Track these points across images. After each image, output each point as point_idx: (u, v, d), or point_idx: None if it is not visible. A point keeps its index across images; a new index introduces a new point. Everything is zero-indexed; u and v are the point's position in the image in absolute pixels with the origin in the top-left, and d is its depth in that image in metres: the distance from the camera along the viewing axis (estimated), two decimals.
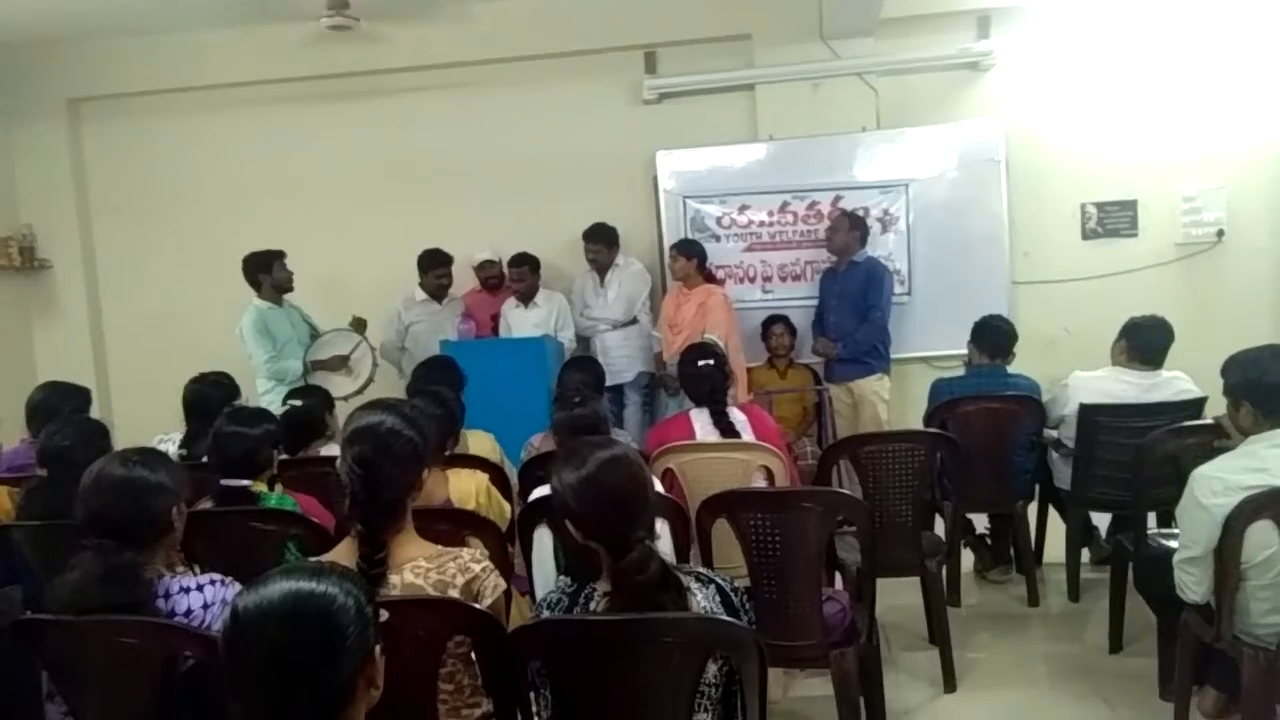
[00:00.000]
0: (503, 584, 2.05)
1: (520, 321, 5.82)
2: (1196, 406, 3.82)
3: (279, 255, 5.39)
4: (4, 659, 1.70)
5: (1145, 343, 4.01)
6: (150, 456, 2.16)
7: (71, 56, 6.45)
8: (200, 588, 2.06)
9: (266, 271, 5.34)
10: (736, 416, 3.51)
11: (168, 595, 2.04)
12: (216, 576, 2.11)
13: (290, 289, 5.44)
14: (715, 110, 6.22)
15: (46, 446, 3.02)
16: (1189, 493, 2.73)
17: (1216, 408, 3.57)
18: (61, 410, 3.67)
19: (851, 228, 5.60)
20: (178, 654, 1.94)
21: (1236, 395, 2.79)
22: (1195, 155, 5.90)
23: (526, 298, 5.87)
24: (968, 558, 4.52)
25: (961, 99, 6.07)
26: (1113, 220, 6.01)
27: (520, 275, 5.84)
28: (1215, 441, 3.08)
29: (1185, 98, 5.88)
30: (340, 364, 5.36)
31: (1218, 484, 2.66)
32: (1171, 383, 3.96)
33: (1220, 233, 5.90)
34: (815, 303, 5.91)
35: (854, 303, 5.52)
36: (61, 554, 2.10)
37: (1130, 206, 5.99)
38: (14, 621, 1.98)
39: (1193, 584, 2.75)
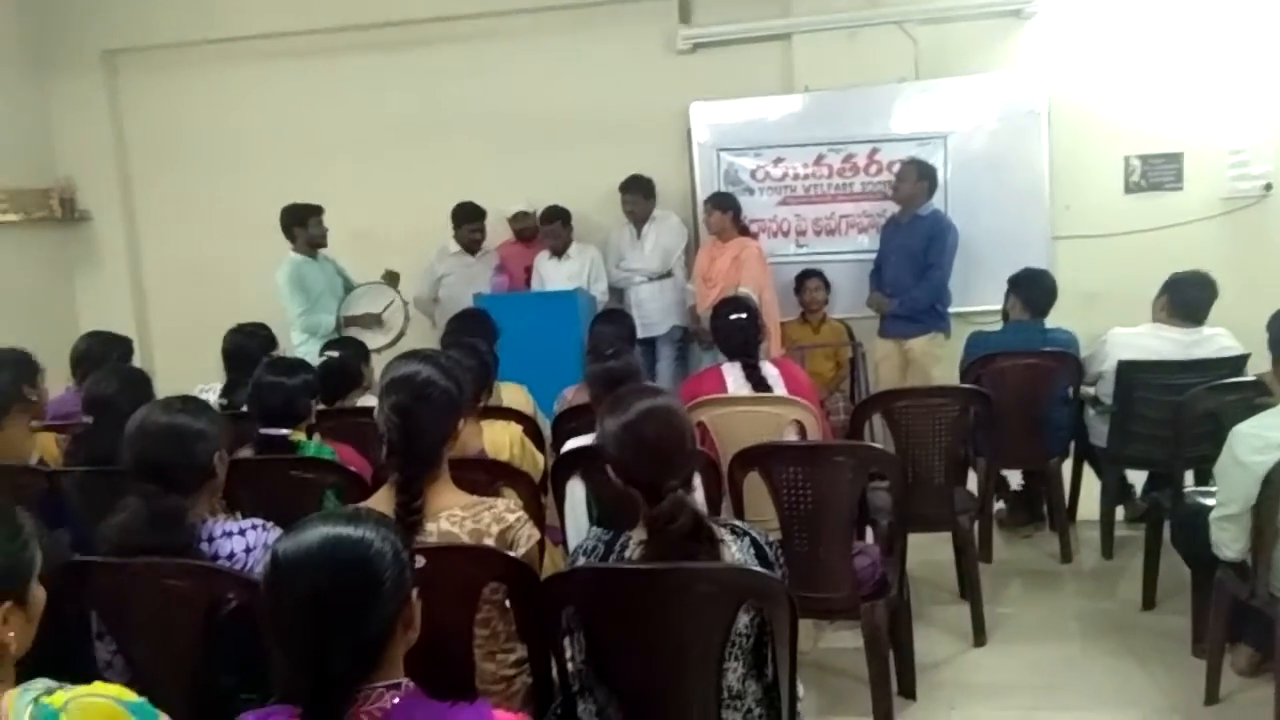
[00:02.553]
0: (536, 533, 2.08)
1: (553, 274, 5.83)
2: (1238, 364, 3.76)
3: (316, 210, 5.42)
4: (54, 600, 1.75)
5: (1187, 299, 3.94)
6: (193, 404, 2.21)
7: (106, 7, 6.48)
8: (243, 532, 2.12)
9: (302, 225, 5.38)
10: (769, 371, 3.51)
11: (211, 539, 2.10)
12: (259, 521, 2.16)
13: (324, 245, 5.48)
14: (750, 61, 6.12)
15: (92, 394, 3.08)
16: (1228, 449, 2.70)
17: (1258, 365, 3.52)
18: (106, 359, 3.73)
19: (920, 177, 5.37)
20: (221, 596, 1.99)
21: None
22: (1242, 107, 5.73)
23: (559, 251, 5.86)
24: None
25: (1002, 49, 5.93)
26: (1157, 173, 5.87)
27: (553, 230, 5.83)
28: (1257, 399, 3.04)
29: (1231, 47, 5.69)
30: (373, 321, 5.40)
31: (1257, 441, 2.64)
32: (1213, 339, 3.90)
33: (1268, 186, 5.74)
34: (849, 257, 5.86)
35: (913, 258, 5.33)
36: (107, 499, 2.15)
37: (1175, 159, 5.85)
38: (64, 563, 2.04)
39: (1229, 540, 2.73)
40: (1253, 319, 3.20)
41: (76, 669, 1.92)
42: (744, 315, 3.55)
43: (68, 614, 2.02)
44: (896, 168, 5.65)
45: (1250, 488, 2.61)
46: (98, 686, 1.32)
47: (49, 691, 1.28)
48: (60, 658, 1.81)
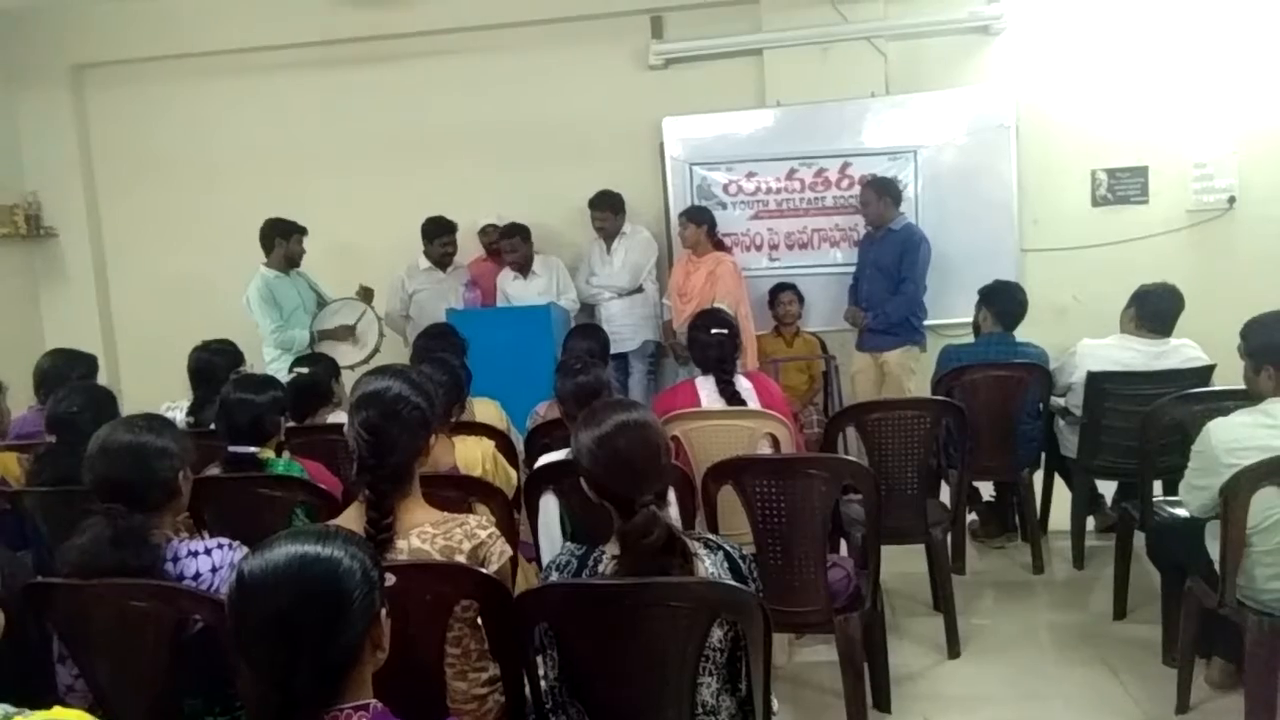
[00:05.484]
0: (509, 550, 2.06)
1: (522, 292, 5.77)
2: (1205, 374, 3.80)
3: (301, 230, 5.40)
4: (15, 623, 1.71)
5: (1154, 310, 3.99)
6: (155, 421, 2.17)
7: (75, 21, 6.41)
8: (209, 551, 2.08)
9: (285, 238, 5.34)
10: (742, 384, 3.51)
11: (176, 559, 2.06)
12: (225, 540, 2.13)
13: (298, 264, 5.45)
14: (722, 76, 6.15)
15: (55, 413, 3.03)
16: (1205, 435, 2.75)
17: (1225, 376, 3.56)
18: (69, 377, 3.68)
19: (880, 195, 5.42)
20: (187, 617, 1.96)
21: (1259, 358, 2.77)
22: (1207, 121, 5.83)
23: (524, 268, 5.81)
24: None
25: (971, 64, 6.00)
26: (1123, 187, 5.96)
27: (513, 246, 5.76)
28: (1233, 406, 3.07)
29: (1197, 63, 5.80)
30: (346, 334, 5.37)
31: (1227, 435, 2.69)
32: (1180, 350, 3.94)
33: (1231, 199, 5.84)
34: (822, 271, 5.90)
35: (887, 272, 5.38)
36: (71, 519, 2.11)
37: (1141, 173, 5.94)
38: (25, 585, 2.00)
39: (1189, 505, 2.85)
40: (1218, 330, 3.23)
41: (37, 693, 1.88)
42: (725, 331, 3.54)
43: (29, 637, 1.98)
44: None
45: (1214, 480, 2.66)
46: (58, 712, 1.29)
47: (7, 717, 1.25)
48: (21, 682, 1.77)
